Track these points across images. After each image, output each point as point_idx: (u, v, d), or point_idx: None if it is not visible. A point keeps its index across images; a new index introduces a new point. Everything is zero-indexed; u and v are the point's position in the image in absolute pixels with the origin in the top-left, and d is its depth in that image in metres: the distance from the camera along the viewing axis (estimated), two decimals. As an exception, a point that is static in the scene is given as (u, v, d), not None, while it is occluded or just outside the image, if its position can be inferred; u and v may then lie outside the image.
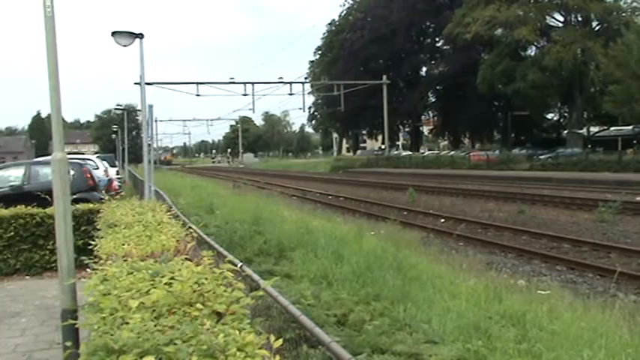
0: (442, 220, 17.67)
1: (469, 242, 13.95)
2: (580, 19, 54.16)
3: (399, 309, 6.01)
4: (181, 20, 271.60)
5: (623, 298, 8.15)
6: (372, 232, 12.50)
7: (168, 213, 6.75)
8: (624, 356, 4.68)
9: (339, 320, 5.86)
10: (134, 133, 78.58)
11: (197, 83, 55.48)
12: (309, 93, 73.21)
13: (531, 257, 11.99)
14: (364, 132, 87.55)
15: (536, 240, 13.97)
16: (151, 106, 17.23)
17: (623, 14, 50.84)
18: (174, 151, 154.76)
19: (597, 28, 53.80)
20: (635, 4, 52.58)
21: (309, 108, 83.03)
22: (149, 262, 3.61)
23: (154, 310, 2.63)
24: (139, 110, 28.72)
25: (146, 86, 17.89)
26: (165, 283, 2.96)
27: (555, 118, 69.56)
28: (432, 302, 6.29)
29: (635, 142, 39.48)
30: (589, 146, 42.39)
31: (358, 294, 6.71)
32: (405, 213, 20.00)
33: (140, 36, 15.22)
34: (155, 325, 2.36)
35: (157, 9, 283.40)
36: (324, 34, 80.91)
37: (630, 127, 39.75)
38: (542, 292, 7.36)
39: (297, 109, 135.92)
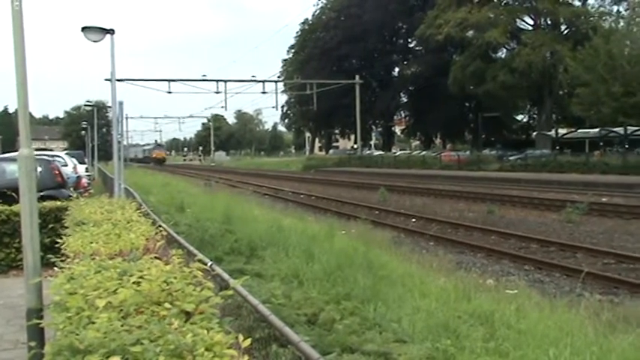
0: (413, 220, 17.80)
1: (439, 242, 14.06)
2: (549, 22, 55.06)
3: (370, 308, 6.04)
4: (153, 16, 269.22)
5: (588, 298, 8.29)
6: (344, 232, 12.54)
7: (138, 211, 6.68)
8: (589, 354, 4.76)
9: (310, 319, 5.85)
10: (104, 129, 77.55)
11: (169, 80, 55.16)
12: (282, 92, 73.23)
13: (500, 257, 12.13)
14: (337, 131, 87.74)
15: (505, 240, 14.14)
16: (121, 103, 17.04)
17: (591, 18, 51.81)
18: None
19: (566, 31, 54.72)
20: (602, 8, 53.62)
21: (282, 107, 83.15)
22: (117, 261, 3.56)
23: (121, 310, 2.59)
24: (110, 107, 28.40)
25: (117, 83, 17.67)
26: (134, 282, 2.93)
27: (525, 120, 70.69)
28: (402, 301, 6.33)
29: (601, 144, 40.21)
30: (557, 148, 43.04)
31: (329, 293, 6.72)
32: (377, 212, 20.09)
33: (111, 32, 15.00)
34: (122, 325, 2.33)
35: (129, 4, 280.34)
36: (297, 32, 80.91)
37: (597, 130, 40.48)
38: (510, 292, 7.45)
39: (269, 108, 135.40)
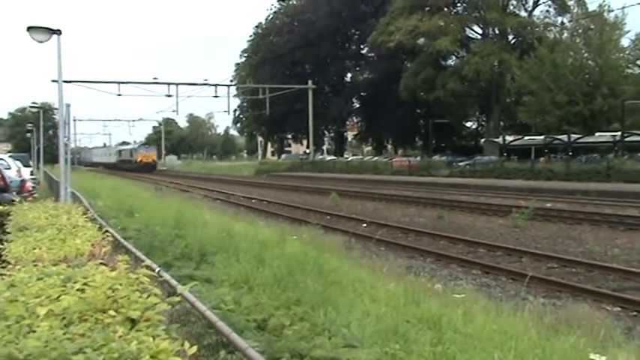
0: (364, 225, 17.91)
1: (390, 247, 14.20)
2: (497, 32, 56.39)
3: (320, 313, 6.04)
4: (104, 17, 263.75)
5: (532, 301, 8.50)
6: (295, 237, 12.52)
7: (85, 216, 6.55)
8: (532, 357, 4.88)
9: (259, 325, 5.83)
10: (51, 132, 75.59)
11: (118, 83, 54.10)
12: (234, 96, 72.79)
13: (449, 261, 12.33)
14: (289, 136, 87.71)
15: (453, 245, 14.37)
16: (68, 105, 16.67)
17: (537, 29, 53.35)
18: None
19: (513, 41, 56.15)
20: (547, 20, 55.27)
21: (235, 111, 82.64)
22: (61, 267, 3.49)
23: (64, 318, 2.54)
24: (56, 109, 27.72)
25: (65, 84, 17.28)
26: (78, 289, 2.87)
27: (474, 127, 72.11)
28: (352, 306, 6.36)
29: (546, 151, 41.34)
30: (505, 154, 44.05)
31: (279, 298, 6.70)
32: (328, 217, 20.16)
33: (57, 32, 14.66)
34: (64, 333, 2.28)
35: (77, 4, 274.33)
36: (250, 36, 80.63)
37: (542, 137, 41.61)
38: (458, 296, 7.58)
39: (222, 112, 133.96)
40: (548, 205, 22.01)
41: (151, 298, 2.77)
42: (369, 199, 27.93)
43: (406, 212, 22.14)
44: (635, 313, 8.38)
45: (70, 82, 45.10)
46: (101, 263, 3.68)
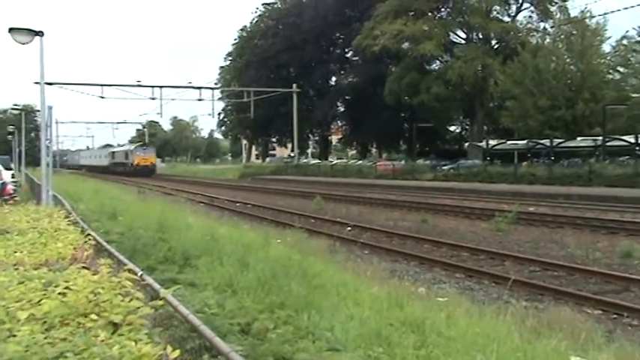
0: (348, 229, 17.93)
1: (374, 250, 14.23)
2: (481, 37, 56.80)
3: (303, 317, 6.03)
4: (87, 19, 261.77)
5: (515, 304, 8.55)
6: (279, 240, 12.51)
7: (67, 219, 6.50)
8: (514, 360, 4.92)
9: (243, 329, 5.80)
10: (33, 134, 74.92)
11: (102, 85, 53.78)
12: (218, 99, 72.54)
13: (432, 265, 12.38)
14: (274, 139, 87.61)
15: (437, 248, 14.44)
16: (50, 108, 16.55)
17: (520, 34, 53.80)
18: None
19: (496, 46, 56.59)
20: (530, 25, 55.80)
21: (219, 114, 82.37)
22: (43, 271, 3.46)
23: (45, 322, 2.52)
24: (38, 111, 27.47)
25: (47, 86, 17.14)
26: (59, 293, 2.85)
27: (458, 131, 72.55)
28: (336, 310, 6.36)
29: (529, 155, 41.69)
30: (488, 158, 44.34)
31: (263, 302, 6.68)
32: (313, 221, 20.15)
33: (40, 34, 14.54)
34: (45, 338, 2.27)
35: (60, 6, 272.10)
36: (235, 39, 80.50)
37: (525, 142, 41.97)
38: (441, 299, 7.61)
39: (206, 115, 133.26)
40: (531, 209, 22.18)
41: (133, 301, 2.76)
42: (354, 203, 27.97)
43: (390, 216, 22.19)
44: (615, 316, 8.47)
45: (52, 84, 44.77)
46: (83, 267, 3.66)
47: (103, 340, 2.27)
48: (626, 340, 7.04)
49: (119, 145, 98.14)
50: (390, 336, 5.47)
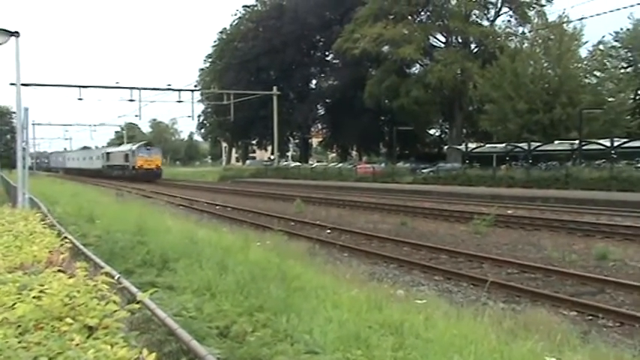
0: (328, 231, 17.96)
1: (353, 253, 14.26)
2: (460, 40, 57.24)
3: (282, 320, 6.03)
4: (65, 20, 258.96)
5: (492, 306, 8.64)
6: (259, 243, 12.49)
7: (43, 222, 6.43)
8: (491, 361, 4.96)
9: (222, 332, 5.79)
10: (8, 136, 73.95)
11: (80, 86, 53.20)
12: (198, 101, 72.21)
13: (411, 268, 12.44)
14: (254, 142, 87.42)
15: (416, 251, 14.51)
16: (26, 109, 16.37)
17: (498, 39, 54.30)
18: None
19: (475, 50, 57.05)
20: (508, 29, 56.38)
21: (199, 116, 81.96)
22: (17, 275, 3.42)
23: (19, 326, 2.49)
24: (14, 112, 27.14)
25: (23, 88, 16.95)
26: (34, 297, 2.82)
27: (437, 134, 73.01)
28: (315, 312, 6.36)
29: (507, 158, 42.09)
30: (467, 161, 44.65)
31: (242, 305, 6.67)
32: (293, 224, 20.15)
33: (15, 34, 14.38)
34: (19, 342, 2.24)
35: (37, 6, 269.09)
36: (215, 41, 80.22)
37: (504, 145, 42.36)
38: (419, 302, 7.65)
39: (185, 117, 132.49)
40: (509, 211, 22.37)
41: (109, 305, 2.74)
42: (334, 206, 28.00)
43: (370, 218, 22.25)
44: (590, 317, 8.58)
45: (28, 85, 44.22)
46: (59, 270, 3.62)
47: (77, 344, 2.25)
48: (601, 341, 7.14)
49: (110, 145, 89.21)
50: (368, 338, 5.49)
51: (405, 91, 54.27)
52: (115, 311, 2.71)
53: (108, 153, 75.39)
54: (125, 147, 73.04)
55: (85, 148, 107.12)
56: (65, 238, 5.85)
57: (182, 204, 29.51)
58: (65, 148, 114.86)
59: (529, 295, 9.77)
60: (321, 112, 77.88)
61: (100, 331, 2.52)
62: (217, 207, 27.85)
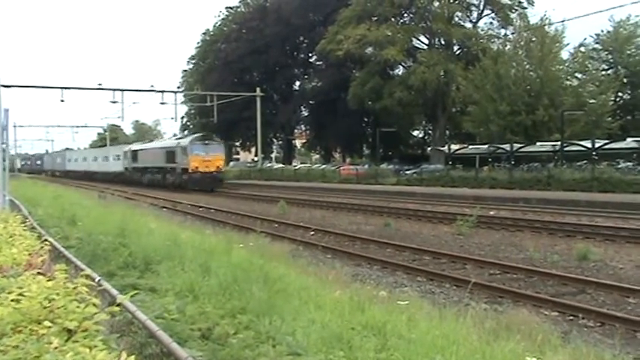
0: (312, 233, 17.96)
1: (337, 254, 14.28)
2: (443, 42, 57.48)
3: (265, 322, 6.02)
4: (46, 20, 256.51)
5: (475, 307, 8.67)
6: (242, 245, 12.45)
7: (23, 224, 6.36)
8: (472, 361, 4.99)
9: (204, 334, 5.77)
10: (-11, 138, 72.90)
11: (62, 88, 52.68)
12: (181, 103, 71.87)
13: (395, 269, 12.48)
14: (237, 143, 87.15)
15: (399, 252, 14.55)
16: (7, 110, 16.19)
17: (481, 40, 54.63)
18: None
19: (458, 52, 57.35)
20: (490, 31, 56.76)
21: (182, 118, 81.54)
22: (-5, 278, 3.39)
23: (-4, 329, 2.47)
24: (-5, 114, 26.78)
25: (4, 89, 16.78)
26: (12, 300, 2.80)
27: (421, 135, 73.28)
28: (298, 314, 6.36)
29: (490, 160, 42.34)
30: (450, 163, 44.84)
31: (224, 307, 6.65)
32: (276, 225, 20.14)
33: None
34: (-4, 345, 2.22)
35: (18, 5, 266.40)
36: (198, 43, 79.95)
37: (486, 146, 42.61)
38: (402, 303, 7.67)
39: (169, 119, 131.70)
40: (492, 212, 22.52)
41: (89, 307, 2.72)
42: (317, 207, 28.01)
43: (353, 220, 22.29)
44: (571, 317, 8.66)
45: (9, 86, 43.72)
46: (39, 273, 3.59)
47: (56, 347, 2.24)
48: (582, 341, 7.20)
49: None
50: (351, 339, 5.50)
51: (388, 92, 54.41)
52: (95, 314, 2.69)
53: (136, 151, 56.83)
54: (168, 141, 56.87)
55: (101, 146, 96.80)
56: (46, 240, 5.79)
57: (165, 206, 29.36)
58: (67, 148, 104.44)
59: (511, 295, 9.84)
60: (305, 113, 77.86)
61: (79, 334, 2.50)
62: (201, 209, 27.75)
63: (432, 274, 11.71)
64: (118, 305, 3.47)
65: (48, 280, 3.20)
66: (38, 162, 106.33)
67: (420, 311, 7.21)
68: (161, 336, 4.33)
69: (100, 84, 55.59)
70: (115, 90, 54.76)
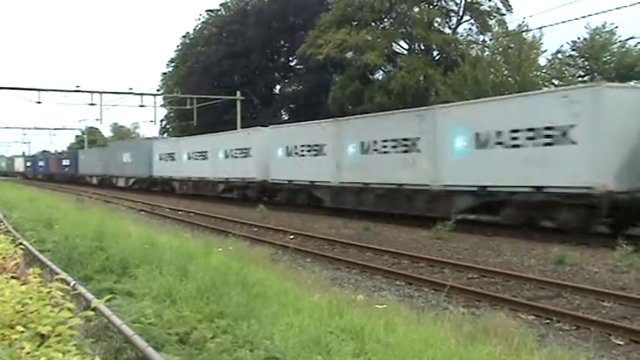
0: (291, 237, 17.94)
1: (316, 258, 14.28)
2: (423, 47, 57.79)
3: (243, 326, 6.01)
4: (23, 21, 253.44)
5: (453, 310, 8.72)
6: (220, 249, 12.41)
7: (-3, 228, 6.27)
8: (450, 365, 5.02)
9: (181, 339, 5.74)
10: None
11: (39, 90, 52.02)
12: (161, 105, 71.33)
13: (374, 273, 12.51)
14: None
15: (378, 256, 14.59)
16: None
17: (460, 46, 55.03)
18: None
19: (438, 57, 57.68)
20: (469, 37, 57.21)
21: (161, 121, 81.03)
22: (-33, 282, 3.33)
23: (-33, 334, 2.43)
24: (-30, 115, 26.38)
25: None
26: (-16, 305, 2.75)
27: (400, 140, 73.48)
28: (276, 318, 6.35)
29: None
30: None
31: (202, 311, 6.62)
32: (256, 229, 20.08)
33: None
34: (-33, 351, 2.18)
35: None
36: (177, 46, 79.58)
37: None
38: (380, 307, 7.69)
39: (148, 122, 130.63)
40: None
41: (63, 312, 2.69)
42: (297, 211, 27.97)
43: (333, 224, 22.29)
44: (547, 320, 8.75)
45: (-15, 88, 43.13)
46: (12, 277, 3.54)
47: (28, 353, 2.20)
48: (558, 344, 7.29)
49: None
50: (329, 343, 5.50)
51: (368, 97, 54.52)
52: (69, 318, 2.66)
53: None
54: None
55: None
56: (20, 244, 5.70)
57: (144, 209, 29.14)
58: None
59: (488, 299, 9.91)
60: (285, 117, 77.63)
61: (52, 339, 2.47)
62: (180, 212, 27.59)
63: (411, 278, 11.75)
64: (93, 310, 3.43)
65: (21, 284, 3.16)
66: (66, 162, 76.02)
67: (398, 315, 7.23)
68: (136, 340, 4.29)
69: (78, 86, 54.84)
70: (93, 92, 54.16)
